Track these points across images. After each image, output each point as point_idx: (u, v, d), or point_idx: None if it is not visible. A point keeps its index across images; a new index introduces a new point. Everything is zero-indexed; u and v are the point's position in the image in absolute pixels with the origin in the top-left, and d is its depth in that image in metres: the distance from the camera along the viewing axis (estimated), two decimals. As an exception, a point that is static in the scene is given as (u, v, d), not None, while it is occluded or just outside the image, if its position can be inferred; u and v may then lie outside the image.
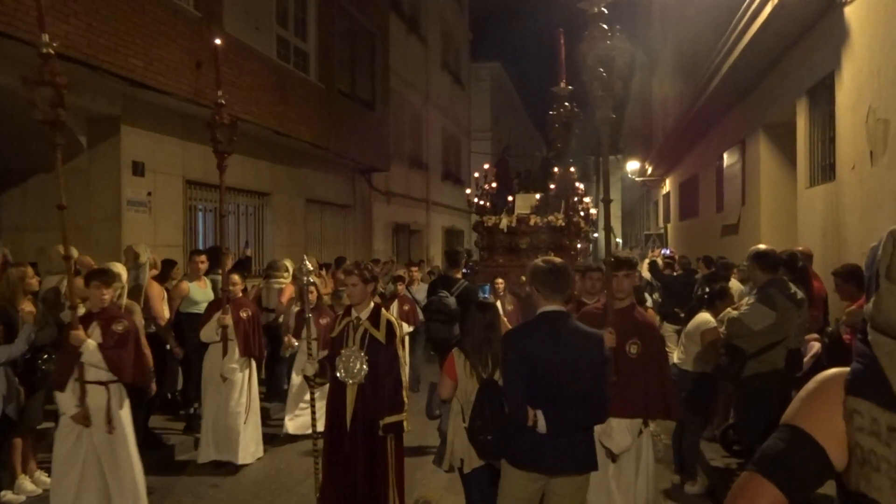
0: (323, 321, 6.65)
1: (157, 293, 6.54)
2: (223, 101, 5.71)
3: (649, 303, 8.88)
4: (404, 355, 4.11)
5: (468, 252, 13.66)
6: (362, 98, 14.12)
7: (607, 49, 3.73)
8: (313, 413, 4.38)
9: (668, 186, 21.92)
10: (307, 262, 4.58)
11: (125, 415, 4.50)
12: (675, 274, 10.06)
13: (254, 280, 9.05)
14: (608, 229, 4.37)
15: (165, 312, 6.59)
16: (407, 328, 8.29)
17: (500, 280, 8.20)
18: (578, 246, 9.77)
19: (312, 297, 6.57)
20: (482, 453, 3.43)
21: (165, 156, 8.53)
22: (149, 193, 8.29)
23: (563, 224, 9.61)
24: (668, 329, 8.72)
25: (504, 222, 9.75)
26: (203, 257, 6.97)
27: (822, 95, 7.81)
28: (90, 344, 4.32)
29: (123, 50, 7.17)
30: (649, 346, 3.79)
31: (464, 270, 9.41)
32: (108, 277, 4.54)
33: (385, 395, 3.90)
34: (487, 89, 27.31)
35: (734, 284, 8.05)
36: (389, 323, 4.02)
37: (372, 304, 4.11)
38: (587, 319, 3.71)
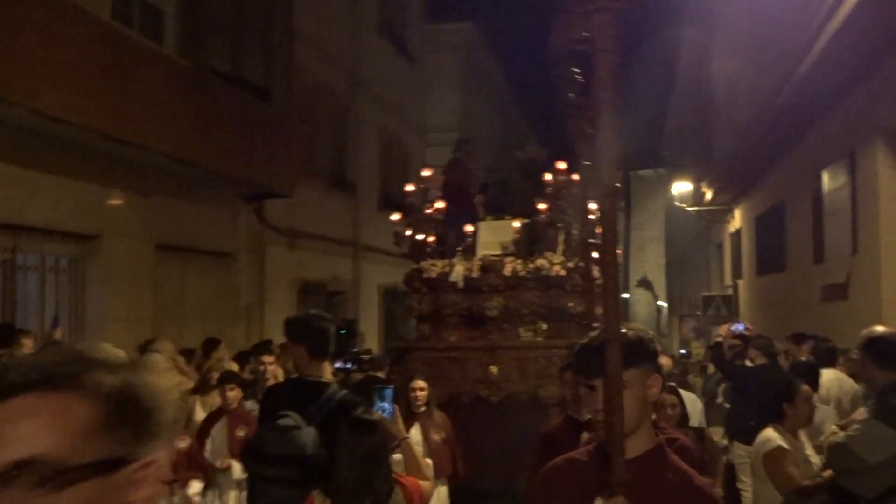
0: None
1: None
2: None
3: (696, 419, 8.39)
4: None
5: (348, 323, 12.77)
6: (251, 82, 14.23)
7: (584, 42, 3.54)
8: None
9: (738, 221, 22.40)
10: None
11: None
12: (750, 364, 10.17)
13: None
14: (611, 274, 3.10)
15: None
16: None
17: (420, 384, 7.38)
18: (597, 311, 9.27)
19: None
20: None
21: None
22: None
23: (565, 272, 9.13)
24: (740, 452, 8.78)
25: (459, 271, 9.26)
26: None
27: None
28: None
29: None
30: None
31: (345, 365, 8.71)
32: None
33: None
34: (453, 65, 27.72)
35: (835, 381, 8.14)
36: None
37: None
38: (559, 478, 3.04)
